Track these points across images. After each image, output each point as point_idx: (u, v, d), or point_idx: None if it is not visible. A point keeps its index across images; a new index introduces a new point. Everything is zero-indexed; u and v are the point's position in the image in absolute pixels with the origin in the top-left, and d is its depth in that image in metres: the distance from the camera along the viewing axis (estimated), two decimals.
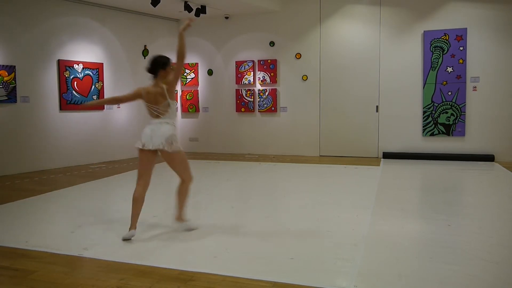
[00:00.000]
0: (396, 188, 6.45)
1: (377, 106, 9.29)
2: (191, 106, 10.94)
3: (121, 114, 9.70)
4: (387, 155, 9.18)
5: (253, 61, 10.30)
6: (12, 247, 3.88)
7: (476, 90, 8.72)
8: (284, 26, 10.05)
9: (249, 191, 6.61)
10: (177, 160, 4.12)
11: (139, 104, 10.38)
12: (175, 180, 4.39)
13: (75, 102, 8.70)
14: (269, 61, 10.17)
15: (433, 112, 8.93)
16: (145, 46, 10.19)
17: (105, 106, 9.28)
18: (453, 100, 8.80)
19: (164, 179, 6.56)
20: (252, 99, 10.37)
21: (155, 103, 4.01)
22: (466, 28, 8.64)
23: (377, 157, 9.33)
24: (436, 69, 8.86)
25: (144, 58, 10.20)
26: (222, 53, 10.67)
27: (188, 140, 11.11)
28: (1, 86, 7.51)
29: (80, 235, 4.21)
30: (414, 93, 9.07)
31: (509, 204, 5.42)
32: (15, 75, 7.71)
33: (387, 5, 9.21)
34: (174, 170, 4.22)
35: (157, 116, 4.04)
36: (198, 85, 10.92)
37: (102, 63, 9.21)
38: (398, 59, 9.14)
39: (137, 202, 4.05)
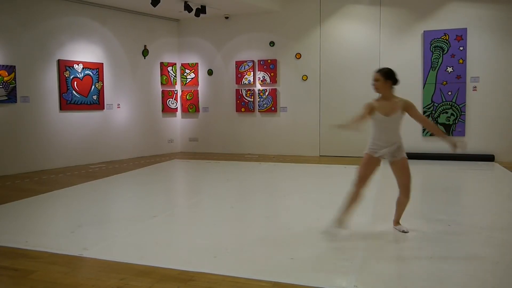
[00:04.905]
0: (396, 188, 6.42)
1: None
2: (191, 106, 10.94)
3: (121, 114, 9.70)
4: None
5: (253, 61, 10.30)
6: (12, 247, 3.88)
7: (476, 90, 8.72)
8: (284, 26, 10.05)
9: (249, 191, 6.60)
10: None
11: (139, 104, 10.39)
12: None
13: (75, 102, 8.71)
14: (269, 61, 10.17)
15: (433, 112, 8.93)
16: (145, 46, 10.19)
17: (105, 106, 9.29)
18: (453, 100, 8.80)
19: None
20: (252, 99, 10.37)
21: None
22: (466, 28, 8.64)
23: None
24: (436, 69, 8.86)
25: (144, 58, 10.20)
26: (222, 53, 10.67)
27: (188, 140, 11.11)
28: (1, 86, 7.51)
29: (80, 235, 4.21)
30: (414, 93, 9.06)
31: (509, 204, 5.42)
32: (15, 75, 7.71)
33: (387, 5, 9.21)
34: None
35: None
36: (198, 85, 10.92)
37: (102, 63, 9.21)
38: (398, 59, 9.13)
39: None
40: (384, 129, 4.03)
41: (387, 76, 4.08)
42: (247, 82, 10.36)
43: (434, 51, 8.85)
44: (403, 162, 4.01)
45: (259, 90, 10.33)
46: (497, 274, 3.17)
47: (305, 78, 9.91)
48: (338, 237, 4.04)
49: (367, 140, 4.20)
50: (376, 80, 4.12)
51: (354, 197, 4.05)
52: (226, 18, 10.48)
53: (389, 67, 4.34)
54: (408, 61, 9.08)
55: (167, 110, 10.77)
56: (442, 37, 8.78)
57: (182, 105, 11.03)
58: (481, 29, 8.63)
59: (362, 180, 4.05)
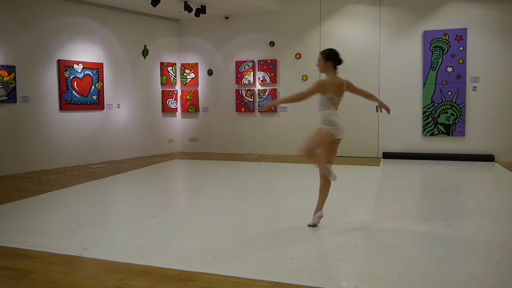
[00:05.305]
0: (396, 188, 6.45)
1: (377, 106, 9.26)
2: (191, 106, 10.94)
3: (121, 114, 9.70)
4: (387, 155, 9.17)
5: (253, 61, 10.30)
6: (12, 247, 3.88)
7: (476, 90, 8.72)
8: (284, 26, 10.05)
9: (249, 191, 6.61)
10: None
11: (139, 104, 10.38)
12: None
13: (75, 102, 8.71)
14: (269, 61, 10.17)
15: (433, 112, 8.93)
16: (145, 46, 10.19)
17: (105, 106, 9.29)
18: (453, 100, 8.80)
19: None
20: (252, 99, 10.37)
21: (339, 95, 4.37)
22: (466, 28, 8.64)
23: (377, 157, 9.32)
24: (436, 69, 8.86)
25: (144, 58, 10.20)
26: (222, 53, 10.67)
27: (188, 140, 11.11)
28: (1, 86, 7.51)
29: (80, 235, 4.21)
30: (414, 93, 9.07)
31: (509, 204, 5.42)
32: (15, 75, 7.70)
33: (387, 5, 9.20)
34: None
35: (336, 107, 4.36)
36: (198, 85, 10.92)
37: (102, 63, 9.20)
38: (398, 59, 9.13)
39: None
40: None
41: (327, 57, 4.30)
42: (247, 82, 10.36)
43: (434, 51, 8.85)
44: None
45: (259, 90, 10.33)
46: (497, 274, 3.17)
47: (305, 78, 9.91)
48: (338, 237, 4.04)
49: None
50: (318, 60, 4.34)
51: (321, 184, 4.37)
52: (226, 18, 10.47)
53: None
54: (408, 61, 9.07)
55: (167, 110, 10.77)
56: (442, 37, 8.78)
57: (182, 105, 11.03)
58: (481, 29, 8.63)
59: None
